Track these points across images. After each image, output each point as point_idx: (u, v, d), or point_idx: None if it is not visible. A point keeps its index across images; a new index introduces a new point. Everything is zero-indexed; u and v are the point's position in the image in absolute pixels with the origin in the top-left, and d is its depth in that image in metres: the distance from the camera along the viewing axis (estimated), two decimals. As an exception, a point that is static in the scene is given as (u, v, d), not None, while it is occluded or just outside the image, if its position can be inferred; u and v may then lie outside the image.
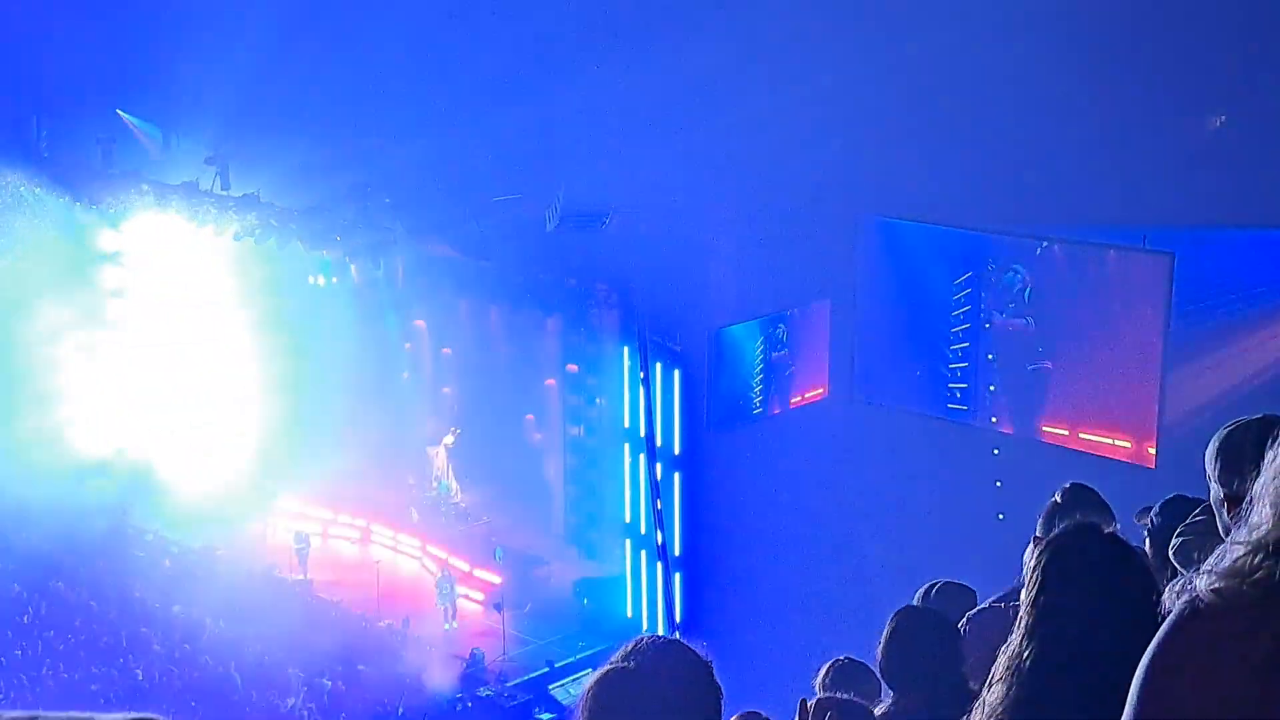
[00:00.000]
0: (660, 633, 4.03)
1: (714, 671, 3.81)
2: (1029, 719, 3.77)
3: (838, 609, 24.69)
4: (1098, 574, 3.78)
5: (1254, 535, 2.51)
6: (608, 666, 3.83)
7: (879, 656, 6.39)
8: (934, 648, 6.13)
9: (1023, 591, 3.96)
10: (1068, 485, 7.04)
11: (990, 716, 3.89)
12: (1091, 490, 6.99)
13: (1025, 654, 3.82)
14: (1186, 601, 2.52)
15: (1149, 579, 3.79)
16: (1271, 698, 2.39)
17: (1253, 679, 2.39)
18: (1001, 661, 3.92)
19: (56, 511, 30.58)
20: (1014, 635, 3.90)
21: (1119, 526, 6.39)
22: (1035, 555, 3.93)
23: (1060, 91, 23.07)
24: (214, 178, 29.95)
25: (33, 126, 32.79)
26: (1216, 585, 2.49)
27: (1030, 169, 23.48)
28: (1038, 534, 6.49)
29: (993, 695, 3.92)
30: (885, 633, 6.41)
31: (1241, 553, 2.50)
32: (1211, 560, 2.57)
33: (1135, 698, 2.53)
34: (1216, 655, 2.44)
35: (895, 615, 6.48)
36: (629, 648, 3.84)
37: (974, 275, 24.23)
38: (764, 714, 6.09)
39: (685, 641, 3.87)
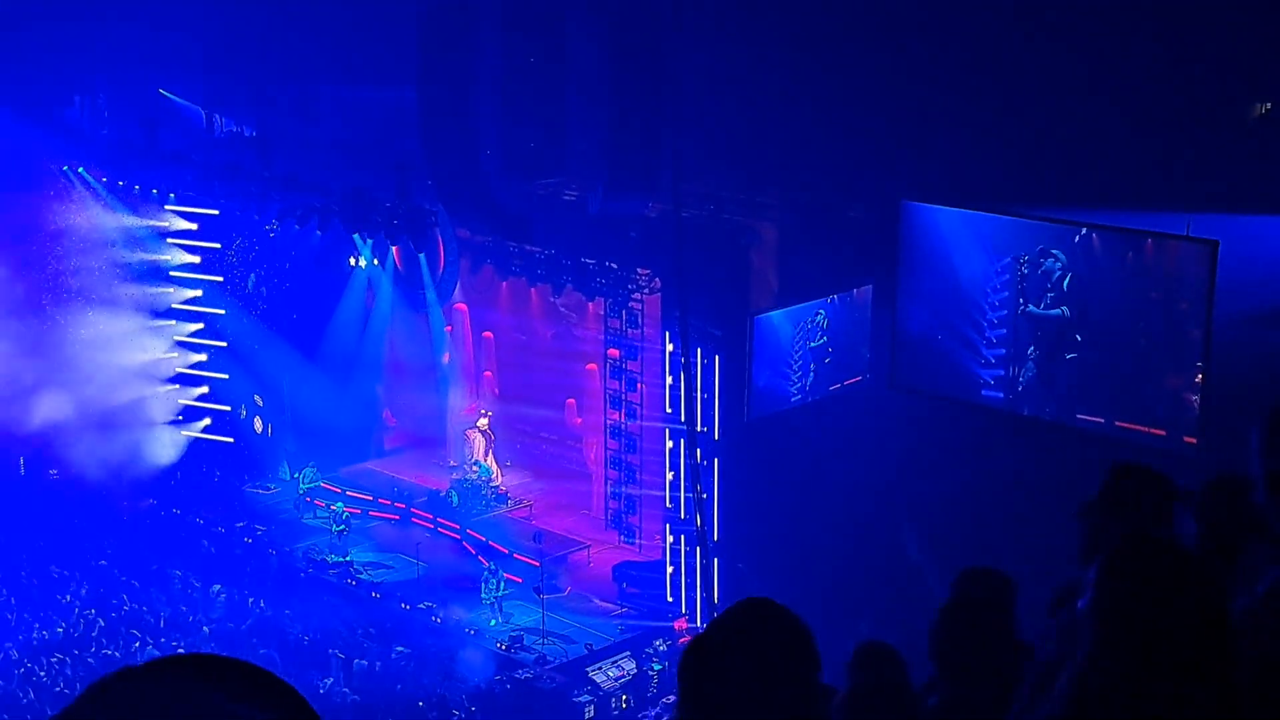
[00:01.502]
0: (755, 599, 4.03)
1: (813, 638, 3.89)
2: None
3: (875, 594, 24.66)
4: (1160, 591, 3.67)
5: None
6: (704, 632, 3.94)
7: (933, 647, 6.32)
8: (990, 637, 6.07)
9: (1082, 606, 3.85)
10: (1117, 468, 6.69)
11: None
12: (1144, 471, 6.62)
13: (1090, 675, 3.73)
14: None
15: (1213, 589, 3.68)
16: None
17: None
18: (1064, 679, 3.84)
19: (100, 490, 30.85)
20: (1079, 655, 3.80)
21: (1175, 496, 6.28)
22: (1094, 573, 3.81)
23: (1102, 78, 22.96)
24: (257, 159, 30.10)
25: (76, 106, 33.01)
26: None
27: (1071, 155, 23.37)
28: (1092, 520, 6.39)
29: (1051, 707, 3.85)
30: (937, 622, 6.34)
31: None
32: None
33: None
34: None
35: (942, 608, 6.41)
36: (727, 613, 3.97)
37: (1012, 262, 24.09)
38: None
39: (784, 607, 3.93)
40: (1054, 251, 23.46)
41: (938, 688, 6.26)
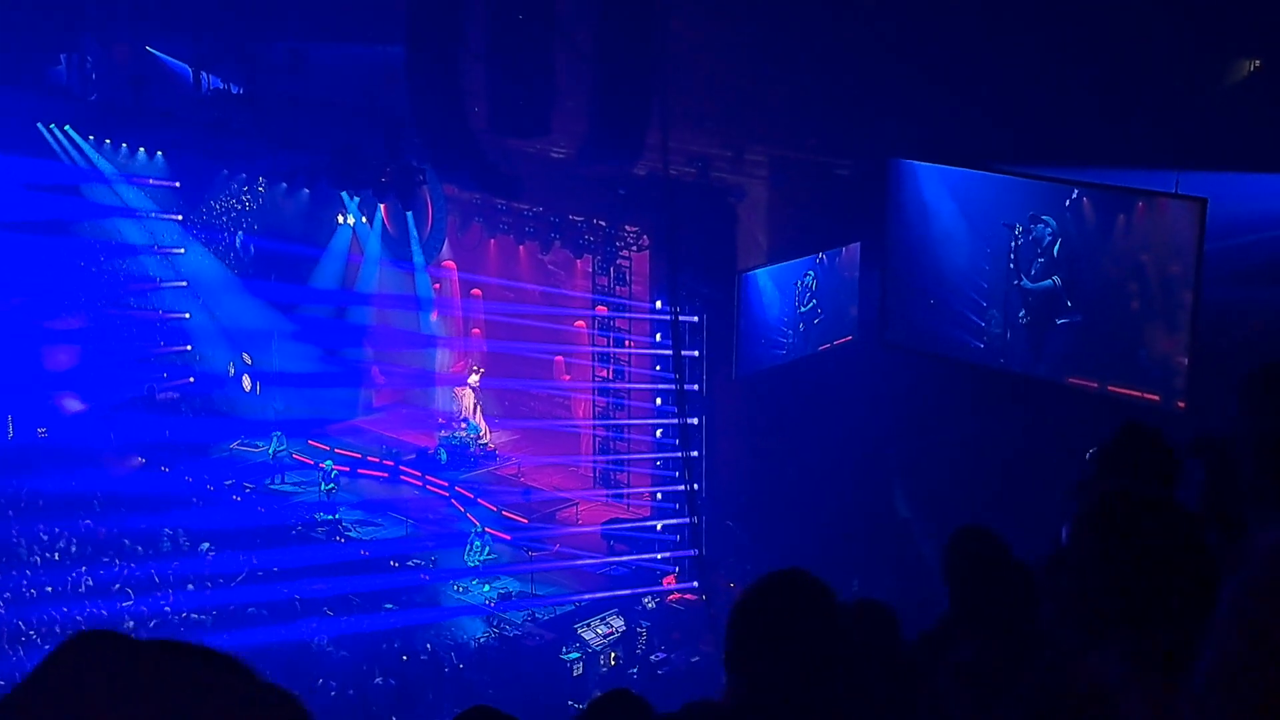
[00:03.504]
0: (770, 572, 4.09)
1: (835, 602, 4.01)
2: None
3: (864, 553, 24.74)
4: (1142, 543, 3.65)
5: None
6: (742, 600, 4.04)
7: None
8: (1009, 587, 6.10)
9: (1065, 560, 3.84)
10: (1122, 427, 6.66)
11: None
12: (1146, 431, 6.57)
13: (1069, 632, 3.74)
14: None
15: (1197, 539, 3.65)
16: None
17: None
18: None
19: (86, 449, 30.81)
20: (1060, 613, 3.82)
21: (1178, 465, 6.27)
22: (1072, 527, 3.79)
23: (1091, 34, 22.91)
24: (242, 117, 30.03)
25: (62, 64, 32.88)
26: None
27: (1061, 112, 23.32)
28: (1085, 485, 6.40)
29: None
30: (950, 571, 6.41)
31: None
32: None
33: (1224, 630, 2.51)
34: None
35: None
36: (758, 582, 4.06)
37: (1004, 229, 23.99)
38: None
39: (810, 575, 4.03)
40: (1044, 217, 23.37)
41: (962, 642, 6.27)
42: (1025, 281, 23.81)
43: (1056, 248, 23.34)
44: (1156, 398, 22.33)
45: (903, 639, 6.92)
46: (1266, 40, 22.23)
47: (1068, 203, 23.10)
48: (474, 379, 32.60)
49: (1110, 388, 23.00)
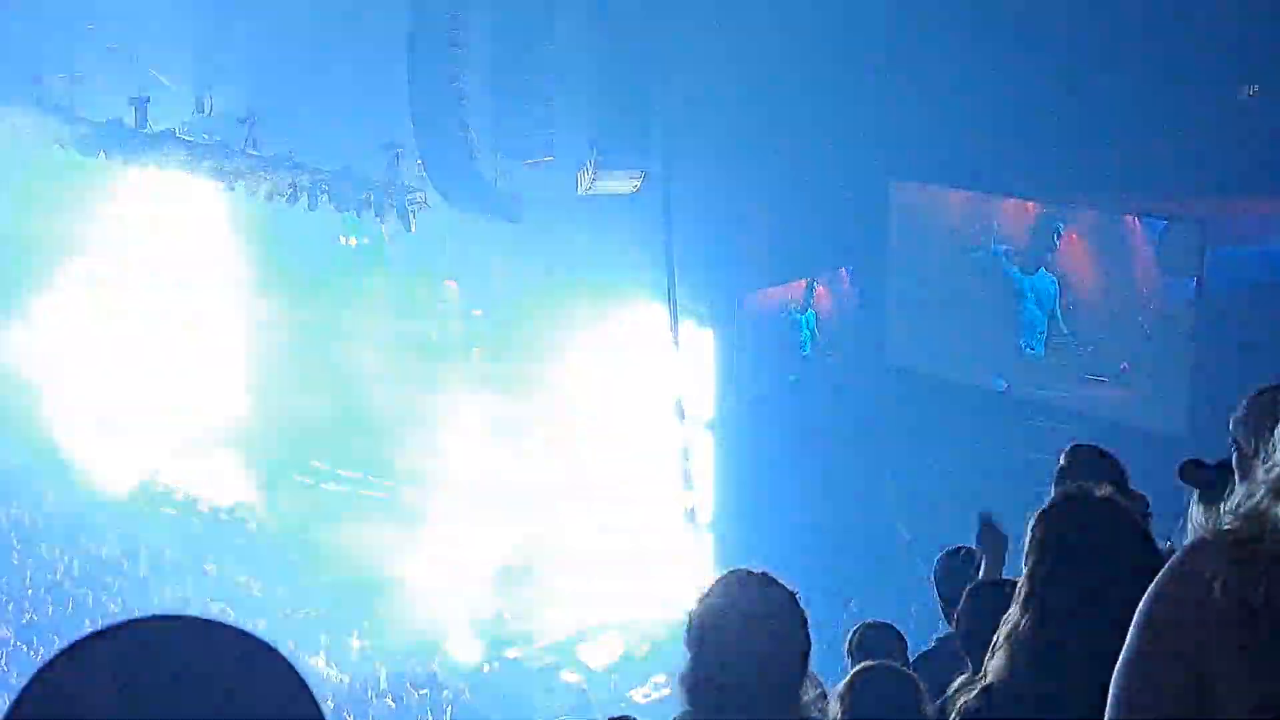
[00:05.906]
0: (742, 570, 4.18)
1: (798, 603, 4.13)
2: (1029, 685, 3.79)
3: (868, 574, 24.72)
4: (1091, 540, 3.75)
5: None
6: (704, 599, 4.21)
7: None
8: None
9: (1023, 561, 3.97)
10: (1070, 447, 6.97)
11: (994, 682, 3.92)
12: (1095, 450, 6.88)
13: (1023, 623, 3.83)
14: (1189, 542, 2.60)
15: (1144, 540, 3.77)
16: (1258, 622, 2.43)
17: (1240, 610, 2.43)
18: (1002, 631, 3.94)
19: (85, 468, 30.83)
20: (1013, 606, 3.91)
21: (1127, 477, 6.40)
22: (1030, 525, 3.93)
23: (1090, 58, 22.91)
24: (246, 139, 30.08)
25: (62, 85, 32.97)
26: (1230, 525, 2.56)
27: (1059, 135, 23.28)
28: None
29: (995, 662, 3.95)
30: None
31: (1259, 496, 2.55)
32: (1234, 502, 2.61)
33: (1132, 629, 2.57)
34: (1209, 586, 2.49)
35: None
36: (717, 582, 4.25)
37: (1005, 253, 23.84)
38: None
39: (772, 576, 4.16)
40: (1046, 254, 23.19)
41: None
42: (1031, 309, 23.62)
43: (1057, 285, 23.14)
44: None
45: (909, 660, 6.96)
46: (1264, 64, 22.23)
47: (1073, 237, 22.86)
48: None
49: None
